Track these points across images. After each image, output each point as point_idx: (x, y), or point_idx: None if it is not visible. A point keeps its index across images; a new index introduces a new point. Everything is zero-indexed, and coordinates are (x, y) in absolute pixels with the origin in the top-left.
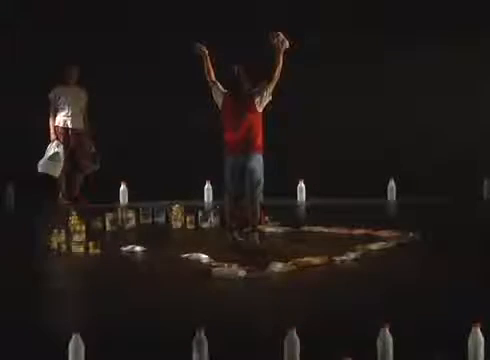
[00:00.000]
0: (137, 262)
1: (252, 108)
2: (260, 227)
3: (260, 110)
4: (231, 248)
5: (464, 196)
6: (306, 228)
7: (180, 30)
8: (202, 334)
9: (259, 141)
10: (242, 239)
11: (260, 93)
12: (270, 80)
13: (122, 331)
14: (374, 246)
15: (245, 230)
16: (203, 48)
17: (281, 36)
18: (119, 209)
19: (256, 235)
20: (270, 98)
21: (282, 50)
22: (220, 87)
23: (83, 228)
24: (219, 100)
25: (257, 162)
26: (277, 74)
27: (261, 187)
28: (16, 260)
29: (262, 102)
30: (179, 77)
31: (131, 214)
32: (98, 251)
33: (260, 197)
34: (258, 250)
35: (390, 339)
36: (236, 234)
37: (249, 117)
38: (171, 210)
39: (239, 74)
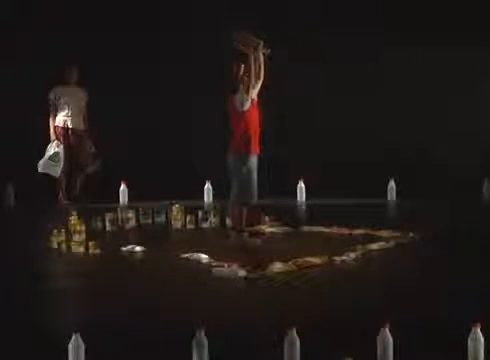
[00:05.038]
0: (137, 262)
1: (240, 109)
2: (257, 227)
3: (243, 109)
4: (231, 248)
5: (464, 196)
6: (306, 228)
7: (180, 30)
8: (202, 334)
9: (253, 142)
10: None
11: (241, 95)
12: (254, 83)
13: (122, 331)
14: (374, 246)
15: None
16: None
17: (260, 44)
18: (119, 209)
19: (244, 236)
20: (255, 98)
21: (261, 55)
22: None
23: (83, 228)
24: None
25: (249, 162)
26: (259, 77)
27: (253, 188)
28: (16, 260)
29: (245, 105)
30: (179, 77)
31: (131, 214)
32: (98, 251)
33: (251, 198)
34: (258, 250)
35: (390, 339)
36: (234, 234)
37: (243, 117)
38: (171, 210)
39: (233, 72)
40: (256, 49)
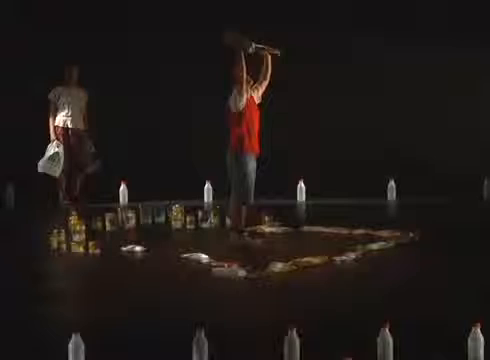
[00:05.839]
0: (137, 262)
1: (233, 110)
2: (257, 227)
3: (233, 110)
4: (231, 248)
5: (464, 196)
6: (306, 228)
7: (180, 30)
8: (202, 334)
9: (248, 142)
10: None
11: (234, 95)
12: (245, 83)
13: (122, 331)
14: (374, 246)
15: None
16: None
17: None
18: (119, 209)
19: (244, 236)
20: (256, 99)
21: (269, 56)
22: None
23: (83, 228)
24: None
25: (244, 163)
26: (266, 78)
27: (248, 188)
28: (16, 260)
29: (238, 105)
30: (179, 77)
31: (131, 214)
32: (98, 251)
33: (247, 198)
34: (258, 250)
35: (390, 339)
36: (234, 234)
37: (237, 118)
38: (171, 210)
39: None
40: (245, 49)
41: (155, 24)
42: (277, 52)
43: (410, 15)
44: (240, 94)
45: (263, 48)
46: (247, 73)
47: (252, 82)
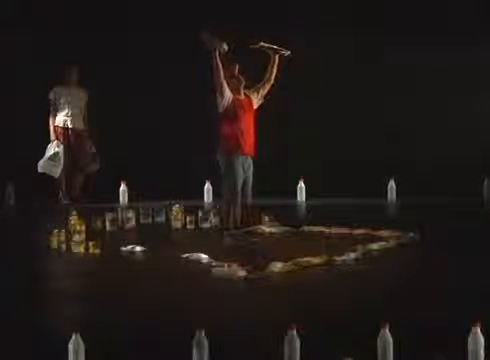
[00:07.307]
0: (137, 262)
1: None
2: (256, 227)
3: (220, 110)
4: (231, 248)
5: (464, 196)
6: (306, 228)
7: (180, 30)
8: (202, 334)
9: (222, 143)
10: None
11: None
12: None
13: (122, 331)
14: (374, 246)
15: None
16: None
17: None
18: (119, 209)
19: (243, 236)
20: (255, 101)
21: (276, 57)
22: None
23: (83, 228)
24: None
25: (221, 162)
26: (270, 80)
27: (227, 188)
28: (16, 260)
29: (219, 105)
30: (179, 77)
31: (131, 214)
32: (98, 251)
33: (227, 198)
34: (258, 250)
35: (390, 339)
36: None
37: (222, 118)
38: (171, 210)
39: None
40: (218, 49)
41: (155, 24)
42: (286, 52)
43: (410, 14)
44: (221, 94)
45: (271, 48)
46: (241, 73)
47: (244, 82)
